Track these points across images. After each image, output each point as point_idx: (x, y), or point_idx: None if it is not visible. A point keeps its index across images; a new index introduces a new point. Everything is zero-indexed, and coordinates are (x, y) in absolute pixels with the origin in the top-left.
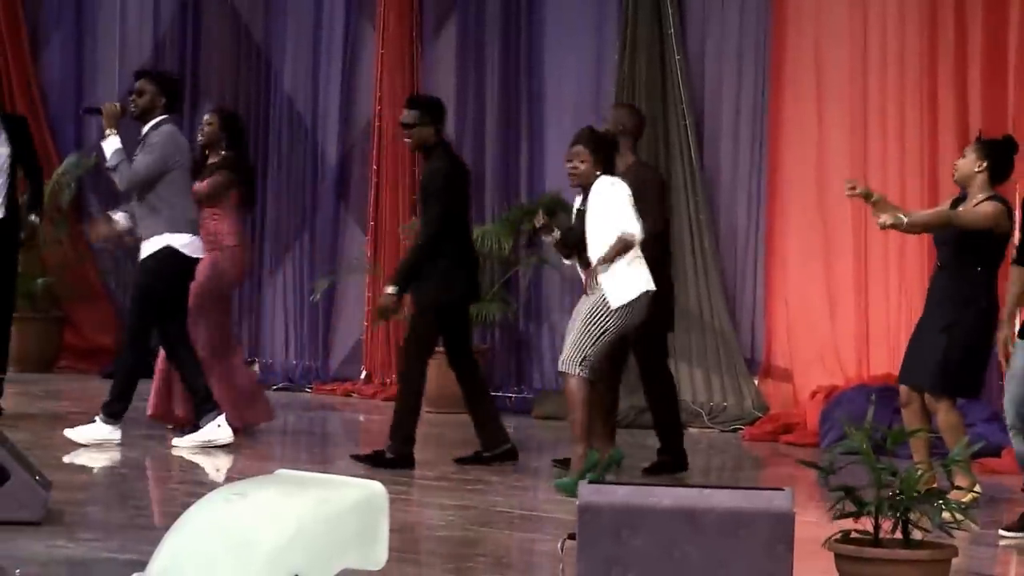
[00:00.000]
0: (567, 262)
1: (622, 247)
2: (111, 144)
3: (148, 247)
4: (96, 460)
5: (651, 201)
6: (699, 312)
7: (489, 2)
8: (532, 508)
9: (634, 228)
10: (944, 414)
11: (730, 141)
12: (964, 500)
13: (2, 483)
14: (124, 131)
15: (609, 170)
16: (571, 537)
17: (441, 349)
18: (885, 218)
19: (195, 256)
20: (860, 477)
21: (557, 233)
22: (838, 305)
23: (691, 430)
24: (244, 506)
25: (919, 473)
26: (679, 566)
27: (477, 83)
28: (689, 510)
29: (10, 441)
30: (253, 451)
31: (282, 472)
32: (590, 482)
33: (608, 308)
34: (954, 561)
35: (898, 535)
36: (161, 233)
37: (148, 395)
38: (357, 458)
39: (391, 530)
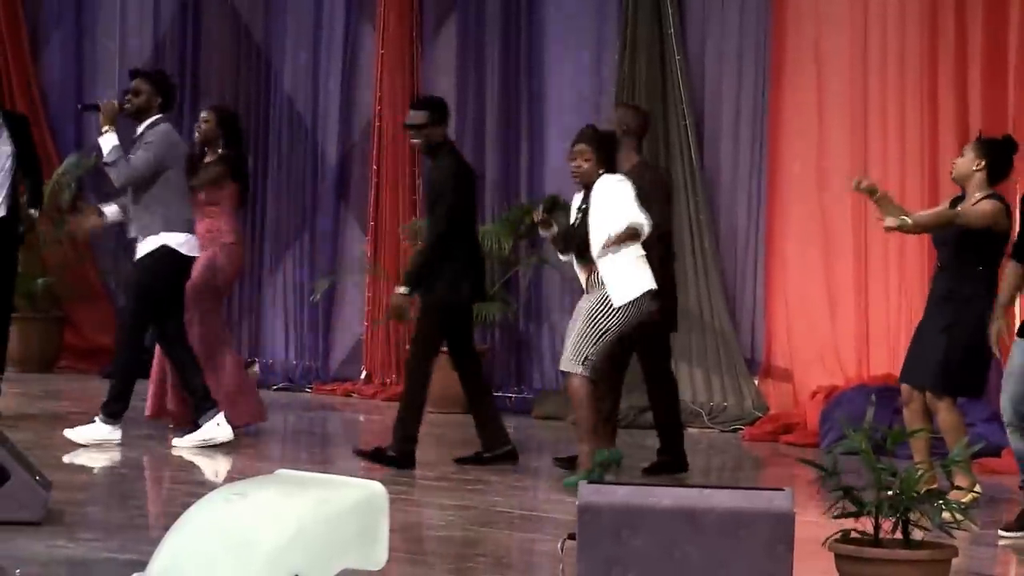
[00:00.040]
0: (563, 258)
1: (631, 233)
2: (108, 140)
3: (144, 246)
4: (96, 460)
5: (656, 202)
6: (699, 312)
7: (489, 2)
8: (532, 508)
9: (643, 220)
10: (945, 413)
11: (730, 141)
12: (964, 500)
13: (2, 483)
14: (119, 130)
15: (612, 169)
16: (571, 537)
17: (444, 349)
18: (890, 221)
19: (191, 255)
20: (860, 477)
21: (555, 228)
22: (838, 305)
23: (691, 430)
24: (244, 506)
25: (919, 473)
26: (679, 566)
27: (477, 83)
28: (689, 510)
29: (10, 441)
30: (253, 451)
31: (282, 472)
32: (590, 482)
33: (610, 307)
34: (954, 561)
35: (898, 535)
36: (157, 232)
37: (146, 396)
38: (359, 453)
39: (391, 530)
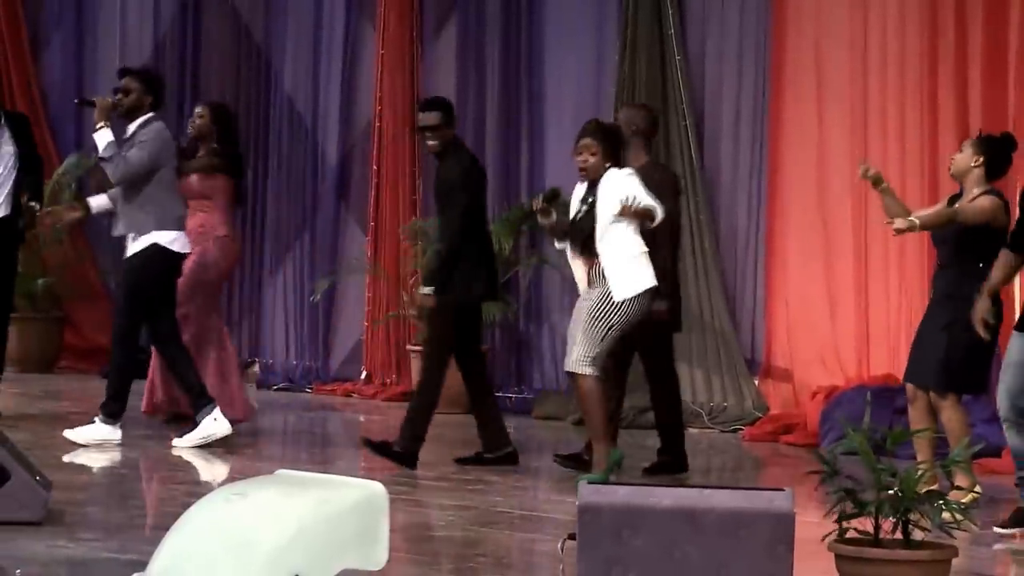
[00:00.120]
0: (559, 246)
1: (646, 212)
2: (103, 136)
3: (135, 245)
4: (96, 460)
5: (665, 201)
6: (699, 312)
7: (489, 2)
8: (532, 508)
9: (657, 206)
10: (949, 411)
11: (730, 141)
12: (964, 501)
13: (2, 483)
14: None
15: (618, 162)
16: (571, 537)
17: None
18: (900, 223)
19: (182, 252)
20: (860, 478)
21: (554, 216)
22: (838, 305)
23: (691, 430)
24: (244, 506)
25: (919, 473)
26: (679, 566)
27: (477, 83)
28: (689, 510)
29: (10, 441)
30: (253, 451)
31: (282, 472)
32: (590, 482)
33: (612, 303)
34: (954, 561)
35: (898, 535)
36: (148, 231)
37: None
38: (367, 442)
39: (391, 530)
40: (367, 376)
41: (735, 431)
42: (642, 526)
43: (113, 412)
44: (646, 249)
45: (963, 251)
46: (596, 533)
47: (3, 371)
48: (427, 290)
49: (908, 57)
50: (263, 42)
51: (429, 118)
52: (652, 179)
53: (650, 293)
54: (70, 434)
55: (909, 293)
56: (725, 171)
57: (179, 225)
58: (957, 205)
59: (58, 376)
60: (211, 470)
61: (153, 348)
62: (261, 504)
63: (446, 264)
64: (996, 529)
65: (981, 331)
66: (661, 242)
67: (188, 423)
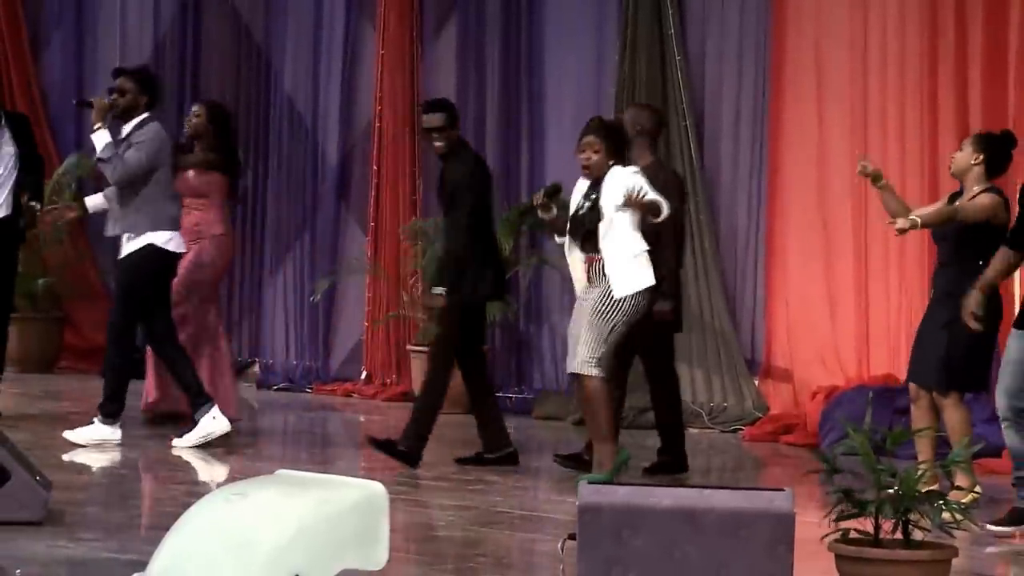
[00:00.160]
0: (559, 240)
1: (653, 205)
2: (101, 137)
3: (130, 245)
4: (96, 460)
5: (670, 202)
6: (699, 312)
7: (489, 2)
8: (532, 508)
9: (664, 201)
10: (951, 411)
11: (730, 141)
12: (964, 501)
13: (3, 483)
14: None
15: (621, 160)
16: (571, 537)
17: None
18: (902, 223)
19: (177, 251)
20: (860, 478)
21: (554, 211)
22: (838, 305)
23: (691, 430)
24: (244, 506)
25: (919, 473)
26: (679, 566)
27: (477, 83)
28: (689, 510)
29: (10, 441)
30: (253, 451)
31: (282, 472)
32: (590, 483)
33: (613, 301)
34: (954, 561)
35: (898, 535)
36: (143, 232)
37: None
38: (372, 440)
39: (391, 530)
40: (367, 376)
41: (735, 431)
42: (642, 526)
43: (111, 412)
44: (647, 248)
45: (963, 249)
46: (596, 533)
47: (3, 371)
48: (439, 290)
49: (908, 57)
50: (263, 42)
51: (434, 119)
52: (657, 179)
53: (649, 292)
54: (70, 435)
55: (909, 293)
56: (725, 171)
57: (174, 225)
58: (957, 203)
59: (58, 376)
60: (211, 470)
61: (149, 348)
62: (261, 504)
63: (456, 264)
64: (990, 527)
65: (971, 324)
66: (666, 242)
67: (184, 422)
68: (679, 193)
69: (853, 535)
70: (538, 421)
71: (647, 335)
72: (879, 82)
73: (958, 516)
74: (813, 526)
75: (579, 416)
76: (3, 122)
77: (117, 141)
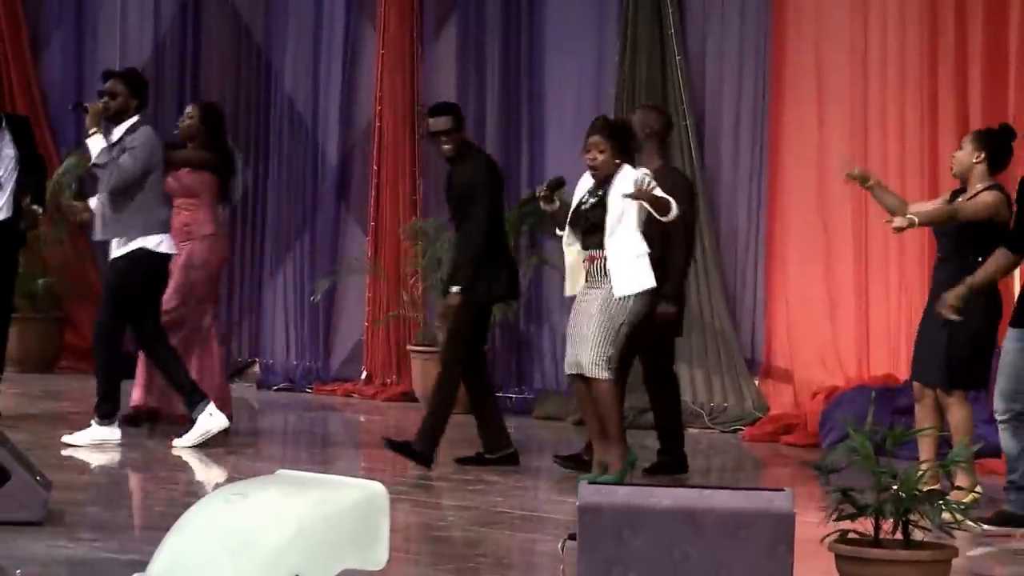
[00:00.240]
0: (560, 232)
1: (663, 202)
2: (96, 143)
3: (121, 247)
4: (96, 460)
5: (681, 205)
6: (699, 312)
7: (489, 3)
8: (533, 509)
9: (672, 201)
10: (955, 409)
11: (730, 141)
12: (965, 501)
13: (3, 483)
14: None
15: (628, 159)
16: (572, 538)
17: None
18: (899, 222)
19: (168, 253)
20: (860, 478)
21: (557, 204)
22: (838, 306)
23: (691, 430)
24: (244, 506)
25: (920, 473)
26: (679, 567)
27: (477, 84)
28: (689, 511)
29: (11, 441)
30: (253, 451)
31: (282, 472)
32: (590, 483)
33: (615, 302)
34: (954, 561)
35: (898, 536)
36: (135, 235)
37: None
38: (389, 442)
39: (391, 530)
40: (367, 376)
41: (735, 431)
42: (642, 526)
43: (107, 412)
44: (648, 251)
45: (963, 245)
46: (596, 533)
47: (3, 371)
48: (455, 289)
49: (908, 58)
50: (263, 42)
51: (440, 123)
52: (666, 182)
53: (650, 294)
54: (69, 439)
55: (909, 293)
56: (725, 171)
57: (165, 228)
58: (960, 200)
59: (58, 376)
60: (211, 470)
61: (140, 351)
62: (261, 504)
63: (472, 263)
64: (980, 525)
65: (944, 313)
66: (676, 243)
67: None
68: (688, 196)
69: (853, 535)
70: (538, 421)
71: (648, 337)
72: (879, 83)
73: (958, 516)
74: (813, 526)
75: (579, 416)
76: (3, 124)
77: (110, 145)
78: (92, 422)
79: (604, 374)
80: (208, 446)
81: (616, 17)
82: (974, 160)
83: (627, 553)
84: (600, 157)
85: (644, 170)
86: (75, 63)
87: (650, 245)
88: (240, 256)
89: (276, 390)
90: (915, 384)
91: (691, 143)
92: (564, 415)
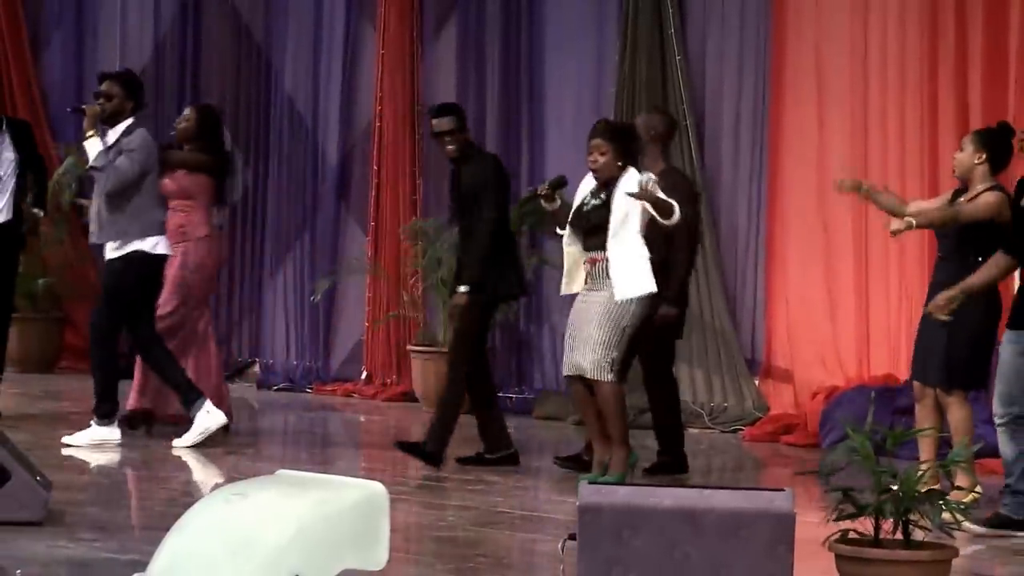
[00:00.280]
0: (559, 231)
1: (666, 205)
2: (93, 146)
3: (117, 249)
4: (96, 460)
5: (684, 208)
6: (699, 312)
7: (489, 2)
8: (533, 509)
9: (675, 204)
10: (955, 409)
11: (731, 141)
12: (965, 501)
13: (3, 483)
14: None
15: (632, 161)
16: (572, 538)
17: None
18: (896, 224)
19: (164, 254)
20: (861, 478)
21: (558, 202)
22: (838, 305)
23: (692, 431)
24: (244, 506)
25: (920, 473)
26: (680, 567)
27: (477, 83)
28: (690, 511)
29: (11, 441)
30: (253, 451)
31: (282, 472)
32: (590, 483)
33: (618, 305)
34: (954, 561)
35: (898, 536)
36: (131, 237)
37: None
38: (400, 444)
39: (391, 530)
40: (367, 376)
41: (735, 431)
42: (642, 526)
43: (106, 413)
44: (650, 255)
45: (964, 245)
46: (596, 533)
47: (3, 371)
48: (463, 289)
49: (908, 60)
50: (263, 42)
51: (443, 123)
52: (670, 186)
53: (652, 298)
54: (69, 440)
55: (909, 293)
56: (726, 171)
57: (160, 230)
58: (962, 199)
59: (58, 376)
60: (211, 470)
61: (137, 355)
62: (261, 504)
63: (482, 262)
64: (973, 526)
65: (935, 312)
66: (679, 246)
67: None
68: (691, 198)
69: (853, 535)
70: (538, 421)
71: (648, 339)
72: (879, 84)
73: (958, 516)
74: (813, 526)
75: (579, 417)
76: (3, 127)
77: (107, 148)
78: (92, 422)
79: (608, 376)
80: (208, 446)
81: (616, 17)
82: (976, 161)
83: (627, 553)
84: (601, 159)
85: (649, 174)
86: (75, 63)
87: (653, 249)
88: (240, 256)
89: (276, 390)
90: (915, 384)
91: (691, 143)
92: (564, 415)
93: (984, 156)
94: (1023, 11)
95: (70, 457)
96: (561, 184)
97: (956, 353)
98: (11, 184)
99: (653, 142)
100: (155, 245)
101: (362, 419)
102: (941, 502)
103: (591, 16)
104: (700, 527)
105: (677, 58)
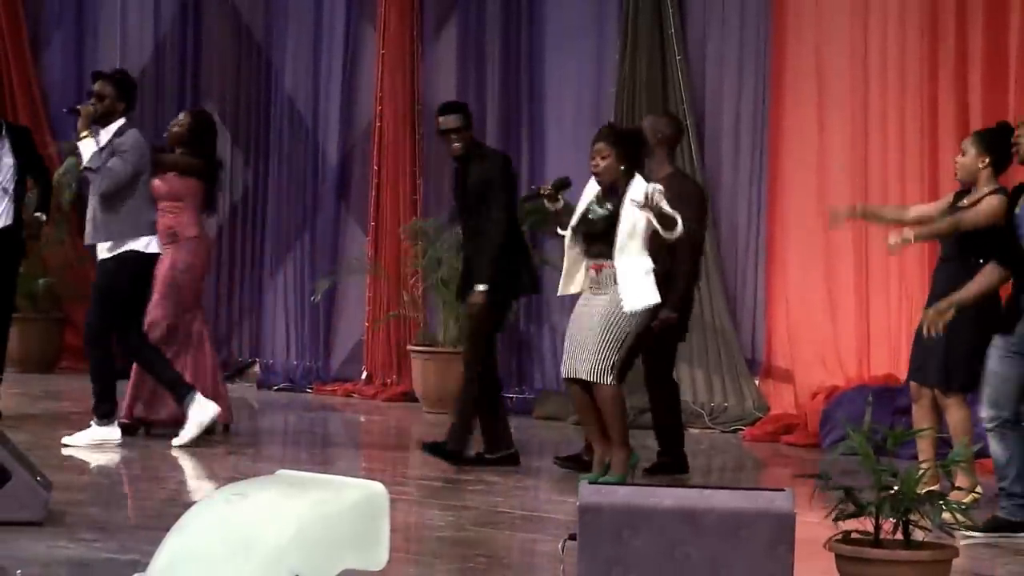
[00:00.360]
0: (560, 231)
1: (670, 219)
2: (88, 146)
3: (109, 249)
4: (96, 460)
5: (691, 213)
6: (700, 312)
7: (489, 2)
8: (533, 509)
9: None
10: (954, 410)
11: (731, 142)
12: (965, 501)
13: (3, 484)
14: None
15: (635, 166)
16: (572, 538)
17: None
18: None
19: (156, 253)
20: (861, 478)
21: (561, 203)
22: (839, 305)
23: (692, 431)
24: (244, 506)
25: (920, 473)
26: (680, 567)
27: (477, 83)
28: (690, 511)
29: (11, 442)
30: (253, 451)
31: (283, 472)
32: (591, 483)
33: (621, 311)
34: (954, 561)
35: (899, 536)
36: (123, 238)
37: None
38: (425, 444)
39: (391, 530)
40: (367, 376)
41: (735, 431)
42: (642, 526)
43: (105, 412)
44: (654, 266)
45: (966, 246)
46: (596, 533)
47: (3, 372)
48: (481, 287)
49: (908, 62)
50: (263, 42)
51: (450, 121)
52: (678, 190)
53: (653, 306)
54: (68, 440)
55: (909, 293)
56: (726, 171)
57: (152, 229)
58: (965, 201)
59: (58, 376)
60: (211, 470)
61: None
62: (261, 504)
63: (495, 261)
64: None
65: (927, 326)
66: (681, 258)
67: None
68: (699, 202)
69: (854, 535)
70: (538, 421)
71: (650, 339)
72: (879, 87)
73: (958, 516)
74: (813, 526)
75: (579, 417)
76: (3, 132)
77: (100, 148)
78: (91, 423)
79: (608, 379)
80: (208, 446)
81: (616, 17)
82: (980, 166)
83: (627, 553)
84: (603, 163)
85: (656, 185)
86: (75, 63)
87: (656, 258)
88: (240, 256)
89: (276, 390)
90: (911, 384)
91: (691, 143)
92: (564, 415)
93: (988, 160)
94: (1023, 12)
95: (70, 457)
96: (565, 185)
97: (955, 354)
98: (11, 189)
99: (660, 145)
100: (147, 244)
101: (362, 419)
102: (941, 502)
103: (591, 16)
104: (700, 527)
105: (677, 58)
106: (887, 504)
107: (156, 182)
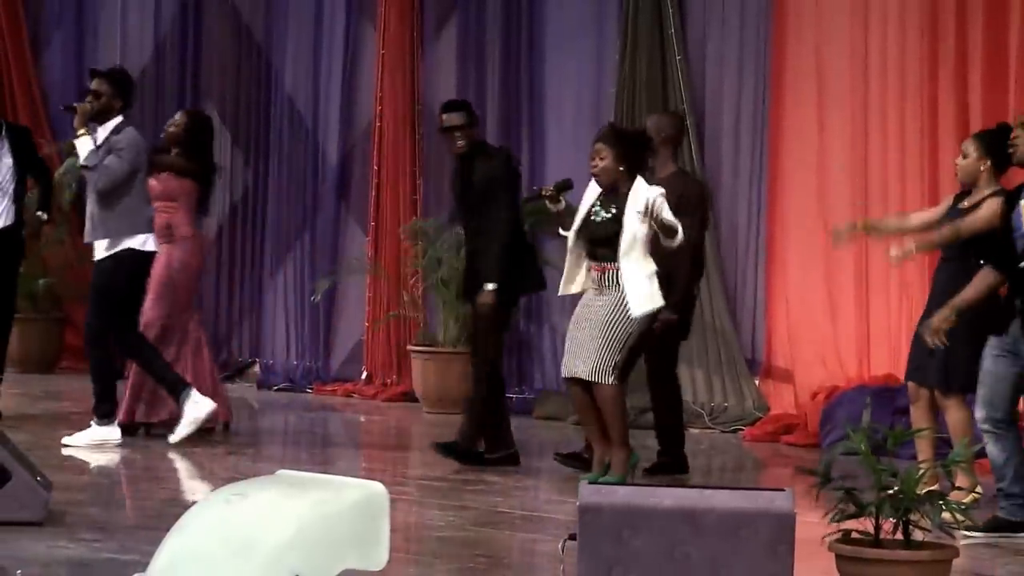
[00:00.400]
0: (563, 232)
1: (671, 227)
2: (84, 144)
3: (106, 248)
4: (96, 460)
5: (693, 212)
6: (700, 312)
7: (490, 2)
8: (533, 509)
9: (682, 231)
10: (953, 411)
11: (731, 141)
12: (965, 501)
13: (3, 484)
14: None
15: (636, 167)
16: (572, 538)
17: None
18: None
19: (151, 250)
20: (861, 478)
21: (563, 204)
22: (839, 305)
23: (692, 431)
24: (244, 506)
25: (920, 473)
26: (680, 567)
27: (477, 83)
28: (690, 511)
29: (11, 442)
30: (253, 451)
31: (283, 472)
32: (591, 483)
33: (623, 312)
34: (954, 561)
35: (899, 536)
36: (120, 235)
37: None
38: (436, 445)
39: (391, 530)
40: (368, 376)
41: (736, 431)
42: (643, 526)
43: (106, 412)
44: (656, 270)
45: (967, 246)
46: (596, 533)
47: (3, 372)
48: (491, 287)
49: (908, 62)
50: (263, 42)
51: (454, 118)
52: (680, 189)
53: (658, 312)
54: (69, 440)
55: (909, 293)
56: (726, 171)
57: (149, 227)
58: (965, 203)
59: (59, 376)
60: (211, 470)
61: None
62: (261, 504)
63: (502, 259)
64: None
65: (929, 339)
66: (681, 260)
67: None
68: (701, 204)
69: (854, 535)
70: (539, 421)
71: (653, 339)
72: (879, 87)
73: (959, 516)
74: (813, 526)
75: (579, 417)
76: (3, 132)
77: (96, 146)
78: (91, 423)
79: (609, 379)
80: (208, 446)
81: (616, 17)
82: (981, 168)
83: (627, 553)
84: (601, 164)
85: (658, 190)
86: (75, 63)
87: (658, 261)
88: (240, 256)
89: (276, 390)
90: (909, 384)
91: (691, 143)
92: (564, 415)
93: (989, 162)
94: (1023, 12)
95: (70, 457)
96: (566, 187)
97: (955, 356)
98: (10, 189)
99: (663, 144)
100: (144, 242)
101: (362, 419)
102: (941, 502)
103: (591, 16)
104: (700, 527)
105: (677, 58)
106: (887, 504)
107: (152, 181)
